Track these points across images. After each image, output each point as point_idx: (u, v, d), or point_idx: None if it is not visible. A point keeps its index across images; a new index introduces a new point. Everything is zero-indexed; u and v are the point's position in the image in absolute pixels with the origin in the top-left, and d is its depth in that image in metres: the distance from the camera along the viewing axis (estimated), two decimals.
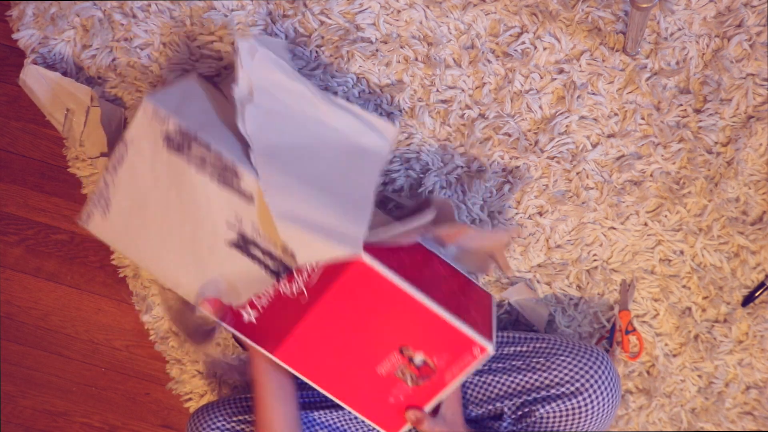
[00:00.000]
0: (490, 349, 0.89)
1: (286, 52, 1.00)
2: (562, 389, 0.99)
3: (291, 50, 1.06)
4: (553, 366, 1.00)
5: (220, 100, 0.96)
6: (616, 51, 1.08)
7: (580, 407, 0.98)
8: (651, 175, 1.11)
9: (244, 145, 0.88)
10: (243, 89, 0.92)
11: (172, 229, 0.90)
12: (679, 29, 1.07)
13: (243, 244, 0.89)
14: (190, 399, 1.29)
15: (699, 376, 1.16)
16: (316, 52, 1.10)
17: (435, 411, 0.97)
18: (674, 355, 1.16)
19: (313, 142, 0.94)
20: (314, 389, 1.06)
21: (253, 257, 0.89)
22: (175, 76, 1.11)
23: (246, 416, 1.03)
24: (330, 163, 0.93)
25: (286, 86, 0.94)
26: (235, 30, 1.05)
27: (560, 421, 0.99)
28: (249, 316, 0.92)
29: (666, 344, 1.16)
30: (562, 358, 1.00)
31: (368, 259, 0.86)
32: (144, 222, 0.91)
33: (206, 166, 0.86)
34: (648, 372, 1.17)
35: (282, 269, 0.88)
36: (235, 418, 1.02)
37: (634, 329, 1.14)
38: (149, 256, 0.93)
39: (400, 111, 1.11)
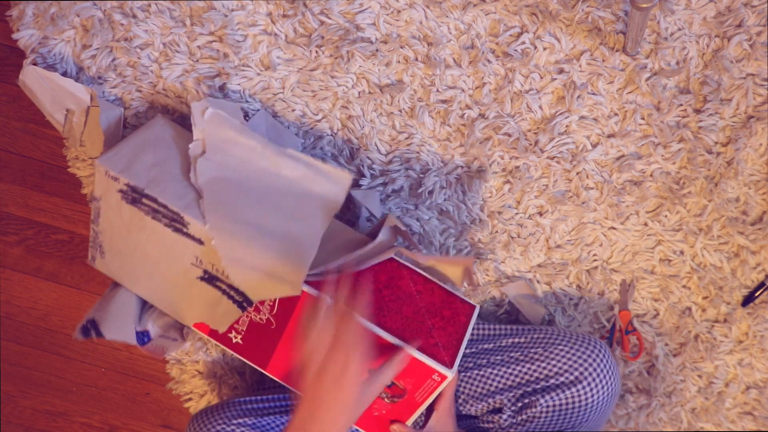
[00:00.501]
0: (449, 375, 0.90)
1: (239, 113, 1.07)
2: (562, 378, 0.98)
3: (243, 110, 1.11)
4: (552, 356, 1.00)
5: (183, 143, 1.04)
6: (616, 51, 1.08)
7: (580, 396, 0.98)
8: (651, 175, 1.11)
9: (197, 193, 0.97)
10: (197, 145, 1.00)
11: (154, 268, 1.00)
12: (679, 29, 1.07)
13: (210, 280, 0.96)
14: (190, 399, 1.29)
15: (699, 376, 1.16)
16: (316, 52, 1.10)
17: (428, 417, 0.97)
18: (674, 355, 1.16)
19: (263, 190, 1.01)
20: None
21: (222, 290, 0.96)
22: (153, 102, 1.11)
23: (246, 419, 1.03)
24: (278, 208, 0.99)
25: (237, 141, 1.02)
26: (189, 95, 1.11)
27: (561, 411, 0.99)
28: (236, 338, 0.99)
29: (666, 344, 1.16)
30: (561, 347, 1.00)
31: (313, 292, 0.92)
32: (132, 262, 1.01)
33: (159, 216, 0.96)
34: (648, 372, 1.17)
35: (246, 301, 0.95)
36: (234, 421, 1.02)
37: (634, 329, 1.14)
38: (145, 288, 1.02)
39: (400, 111, 1.11)
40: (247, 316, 0.97)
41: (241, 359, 1.01)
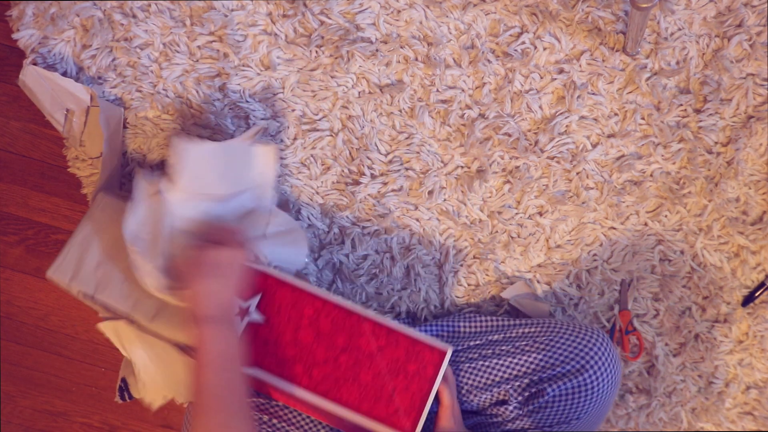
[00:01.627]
0: None
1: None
2: (568, 367, 0.98)
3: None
4: (556, 345, 1.00)
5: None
6: (616, 51, 1.08)
7: (584, 384, 0.98)
8: (651, 175, 1.11)
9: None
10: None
11: None
12: (679, 29, 1.07)
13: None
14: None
15: (699, 376, 1.16)
16: (316, 52, 1.10)
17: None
18: (674, 355, 1.16)
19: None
20: None
21: None
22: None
23: (252, 399, 1.02)
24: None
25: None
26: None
27: (568, 399, 0.99)
28: None
29: (666, 344, 1.16)
30: (565, 337, 1.00)
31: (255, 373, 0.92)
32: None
33: (116, 314, 1.01)
34: (648, 372, 1.17)
35: None
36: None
37: (634, 329, 1.14)
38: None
39: (400, 111, 1.11)
40: None
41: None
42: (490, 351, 1.04)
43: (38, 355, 1.29)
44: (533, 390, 1.00)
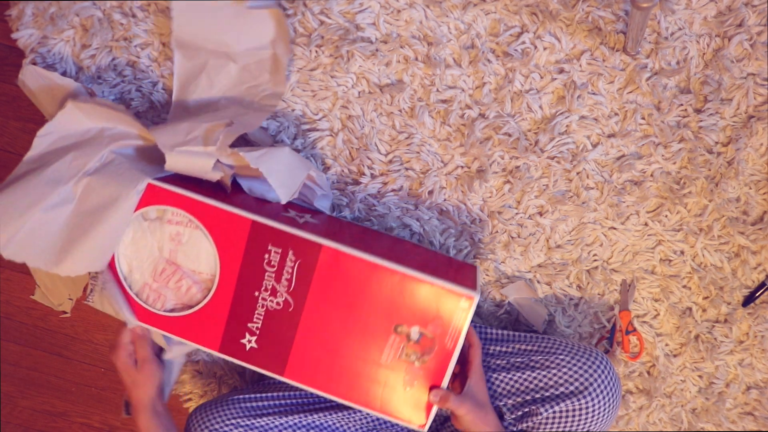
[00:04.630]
0: (475, 295, 0.91)
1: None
2: (561, 389, 0.98)
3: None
4: (553, 365, 1.00)
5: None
6: (617, 51, 1.08)
7: (580, 408, 0.98)
8: (651, 175, 1.11)
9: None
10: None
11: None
12: (680, 29, 1.06)
13: None
14: (189, 399, 1.29)
15: (699, 377, 1.16)
16: (316, 52, 1.10)
17: (462, 386, 0.97)
18: (675, 356, 1.16)
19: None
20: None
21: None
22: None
23: (242, 420, 1.03)
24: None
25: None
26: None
27: (561, 422, 0.99)
28: (250, 343, 0.97)
29: (666, 344, 1.16)
30: (562, 357, 1.00)
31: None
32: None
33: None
34: (648, 372, 1.17)
35: None
36: (231, 421, 1.02)
37: (635, 329, 1.14)
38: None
39: (400, 111, 1.11)
40: (262, 307, 0.95)
41: (258, 370, 1.00)
42: (485, 365, 1.04)
43: (38, 355, 1.29)
44: (526, 409, 0.99)
